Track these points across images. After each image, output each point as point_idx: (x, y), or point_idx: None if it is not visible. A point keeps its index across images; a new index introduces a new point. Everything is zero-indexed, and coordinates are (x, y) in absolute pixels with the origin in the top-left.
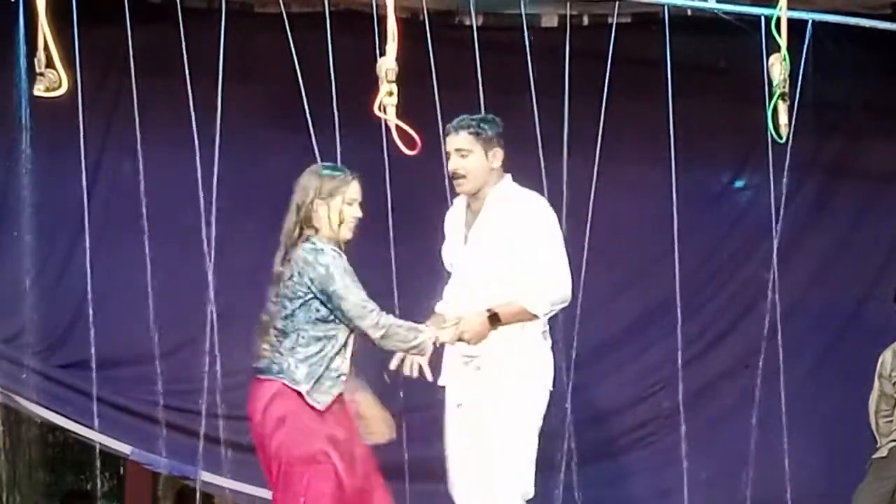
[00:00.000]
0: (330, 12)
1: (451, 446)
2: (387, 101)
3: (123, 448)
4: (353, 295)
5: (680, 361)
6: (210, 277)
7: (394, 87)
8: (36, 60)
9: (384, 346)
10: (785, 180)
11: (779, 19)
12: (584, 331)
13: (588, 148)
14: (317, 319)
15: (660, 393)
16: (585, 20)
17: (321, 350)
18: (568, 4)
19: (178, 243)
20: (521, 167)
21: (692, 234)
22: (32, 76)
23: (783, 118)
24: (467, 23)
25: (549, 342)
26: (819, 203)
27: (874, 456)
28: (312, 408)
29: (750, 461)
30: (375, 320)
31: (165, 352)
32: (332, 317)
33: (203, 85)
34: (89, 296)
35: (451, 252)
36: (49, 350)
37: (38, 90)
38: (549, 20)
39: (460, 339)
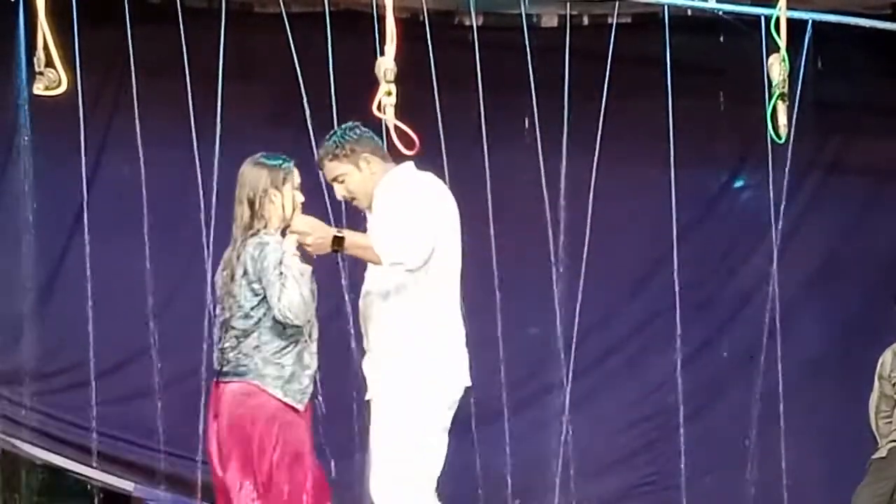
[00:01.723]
0: (330, 12)
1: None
2: (385, 100)
3: (126, 485)
4: (272, 293)
5: (679, 361)
6: (210, 277)
7: (393, 87)
8: (35, 59)
9: (307, 312)
10: (786, 180)
11: (778, 19)
12: (584, 334)
13: (588, 147)
14: (274, 317)
15: (666, 393)
16: (585, 20)
17: (286, 347)
18: (568, 4)
19: (178, 252)
20: (521, 167)
21: (693, 234)
22: (32, 75)
23: (782, 118)
24: (467, 23)
25: (451, 335)
26: (819, 201)
27: (874, 456)
28: (291, 407)
29: (750, 460)
30: (280, 309)
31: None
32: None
33: (203, 84)
34: (89, 301)
35: None
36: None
37: (38, 89)
38: (549, 20)
39: (302, 245)
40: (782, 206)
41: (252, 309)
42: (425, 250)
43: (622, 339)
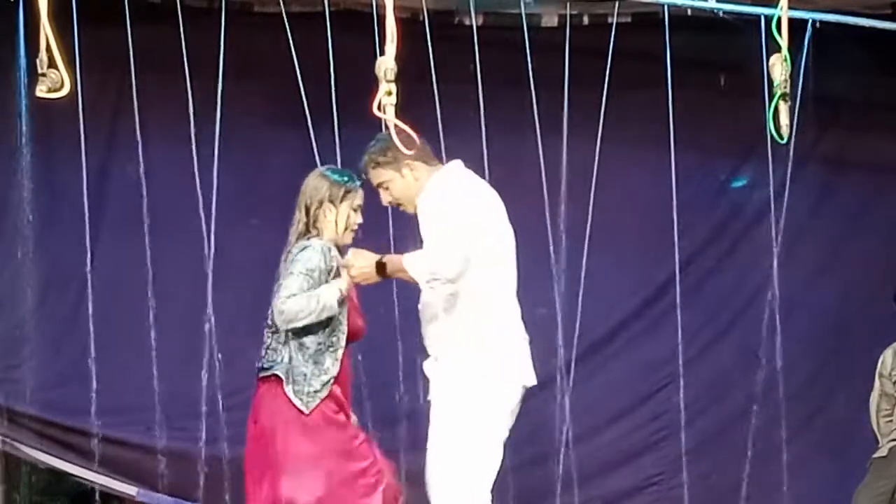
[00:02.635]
0: (330, 12)
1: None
2: (386, 100)
3: (129, 489)
4: (285, 289)
5: (681, 360)
6: (209, 280)
7: (393, 87)
8: (38, 61)
9: (296, 326)
10: (788, 180)
11: (779, 19)
12: (584, 324)
13: (588, 147)
14: None
15: (669, 387)
16: (585, 20)
17: (308, 346)
18: (568, 4)
19: (179, 256)
20: (520, 167)
21: (693, 234)
22: (33, 77)
23: (784, 119)
24: (467, 23)
25: (507, 334)
26: (821, 200)
27: (874, 455)
28: (297, 409)
29: (748, 462)
30: (280, 309)
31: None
32: None
33: (203, 84)
34: (90, 298)
35: None
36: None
37: (41, 91)
38: (550, 20)
39: (353, 279)
40: (784, 205)
41: None
42: (458, 263)
43: (624, 340)
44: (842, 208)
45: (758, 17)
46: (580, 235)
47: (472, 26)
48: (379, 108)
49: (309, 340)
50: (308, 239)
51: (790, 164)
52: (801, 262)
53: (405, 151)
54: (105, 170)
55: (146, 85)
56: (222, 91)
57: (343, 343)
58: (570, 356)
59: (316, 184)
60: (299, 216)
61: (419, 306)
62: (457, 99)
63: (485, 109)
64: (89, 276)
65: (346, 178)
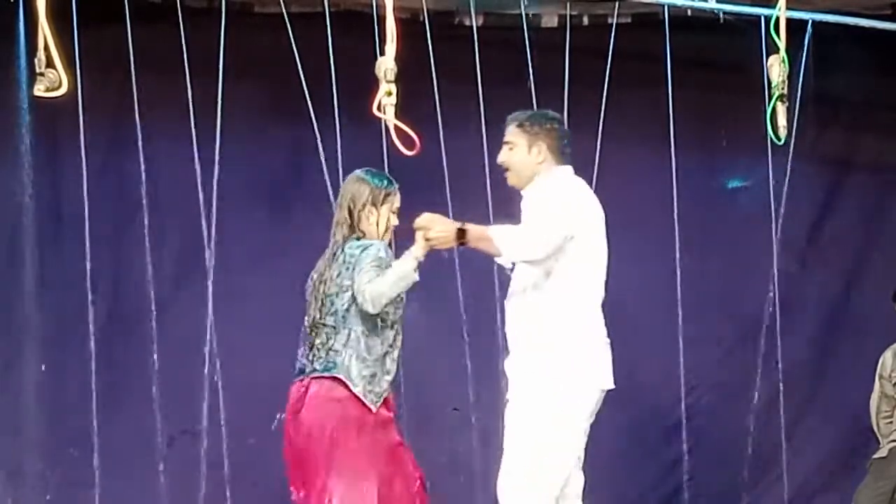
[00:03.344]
0: (330, 12)
1: None
2: (386, 100)
3: None
4: (360, 278)
5: (681, 359)
6: (209, 280)
7: (393, 87)
8: (36, 60)
9: (382, 307)
10: (787, 180)
11: (778, 20)
12: None
13: (589, 147)
14: (365, 315)
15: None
16: (585, 20)
17: (372, 347)
18: (568, 4)
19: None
20: None
21: (693, 233)
22: (32, 76)
23: (782, 119)
24: (467, 23)
25: (589, 336)
26: (821, 199)
27: (874, 456)
28: (367, 409)
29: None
30: (366, 292)
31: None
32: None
33: (203, 85)
34: (89, 285)
35: None
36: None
37: (39, 90)
38: (550, 20)
39: (428, 243)
40: (783, 205)
41: (344, 307)
42: (548, 245)
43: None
44: (842, 208)
45: (757, 17)
46: None
47: (472, 26)
48: (379, 109)
49: (374, 342)
50: (358, 240)
51: (789, 164)
52: (800, 261)
53: (405, 152)
54: (106, 169)
55: (146, 85)
56: (222, 91)
57: (400, 345)
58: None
59: (358, 187)
60: (343, 217)
61: (506, 303)
62: (457, 99)
63: (485, 109)
64: (89, 275)
65: (385, 182)
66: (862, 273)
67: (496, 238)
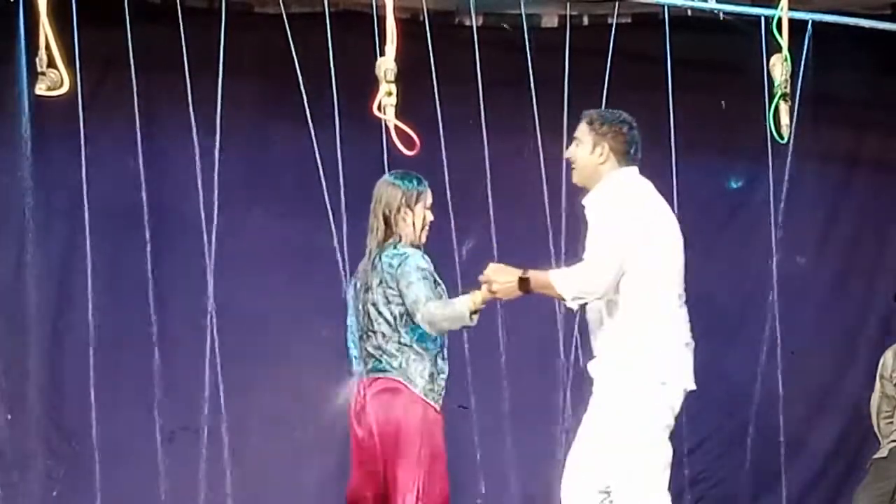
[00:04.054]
0: (330, 12)
1: None
2: (386, 101)
3: None
4: (413, 292)
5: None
6: (209, 280)
7: (393, 88)
8: (37, 60)
9: (440, 333)
10: (786, 180)
11: (779, 19)
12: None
13: None
14: (414, 321)
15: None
16: (585, 20)
17: (426, 350)
18: (568, 5)
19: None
20: (520, 167)
21: (693, 232)
22: (33, 75)
23: (784, 119)
24: (467, 23)
25: (671, 341)
26: (822, 199)
27: (874, 456)
28: (433, 407)
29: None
30: (422, 313)
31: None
32: None
33: (203, 84)
34: (89, 284)
35: None
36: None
37: (40, 89)
38: (550, 20)
39: (491, 293)
40: (782, 205)
41: (394, 315)
42: (608, 281)
43: None
44: (842, 208)
45: (758, 17)
46: (580, 235)
47: (472, 26)
48: (379, 109)
49: (430, 344)
50: (395, 247)
51: (788, 164)
52: (801, 261)
53: (406, 152)
54: (106, 169)
55: (146, 85)
56: (222, 91)
57: (445, 345)
58: (569, 363)
59: (390, 192)
60: (377, 224)
61: (587, 309)
62: (457, 99)
63: (485, 109)
64: (89, 275)
65: (416, 182)
66: (862, 273)
67: (557, 285)
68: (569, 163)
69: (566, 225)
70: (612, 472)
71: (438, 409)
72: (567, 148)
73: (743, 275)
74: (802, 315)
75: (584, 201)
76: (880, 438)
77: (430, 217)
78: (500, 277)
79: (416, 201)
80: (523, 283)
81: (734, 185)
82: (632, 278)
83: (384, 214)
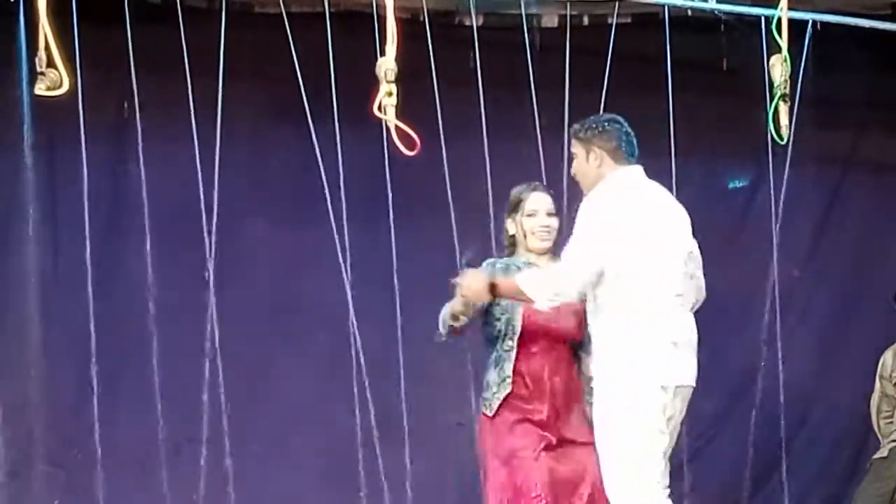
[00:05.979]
0: (330, 12)
1: None
2: (386, 101)
3: None
4: None
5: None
6: (210, 279)
7: (393, 88)
8: (37, 60)
9: (446, 332)
10: (785, 180)
11: (779, 20)
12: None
13: None
14: (484, 323)
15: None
16: (585, 20)
17: (490, 356)
18: (568, 5)
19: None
20: (521, 168)
21: (693, 232)
22: (33, 75)
23: (784, 119)
24: (467, 23)
25: (652, 338)
26: (822, 200)
27: (874, 456)
28: (483, 414)
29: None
30: None
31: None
32: (489, 321)
33: (203, 84)
34: (89, 286)
35: None
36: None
37: (40, 89)
38: (550, 20)
39: (464, 298)
40: (781, 205)
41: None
42: (578, 285)
43: None
44: (843, 208)
45: (758, 17)
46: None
47: (472, 26)
48: (379, 109)
49: (486, 352)
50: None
51: (788, 164)
52: (801, 261)
53: (406, 152)
54: (106, 169)
55: (146, 85)
56: (223, 91)
57: (516, 346)
58: None
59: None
60: (504, 233)
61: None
62: (457, 99)
63: (485, 109)
64: (89, 277)
65: (521, 189)
66: (862, 273)
67: (524, 287)
68: (574, 180)
69: (567, 224)
70: (604, 470)
71: (490, 413)
72: (567, 152)
73: (743, 275)
74: (802, 315)
75: (584, 202)
76: (880, 438)
77: (536, 223)
78: (468, 282)
79: (514, 210)
80: (492, 287)
81: (733, 185)
82: (613, 279)
83: (505, 230)
